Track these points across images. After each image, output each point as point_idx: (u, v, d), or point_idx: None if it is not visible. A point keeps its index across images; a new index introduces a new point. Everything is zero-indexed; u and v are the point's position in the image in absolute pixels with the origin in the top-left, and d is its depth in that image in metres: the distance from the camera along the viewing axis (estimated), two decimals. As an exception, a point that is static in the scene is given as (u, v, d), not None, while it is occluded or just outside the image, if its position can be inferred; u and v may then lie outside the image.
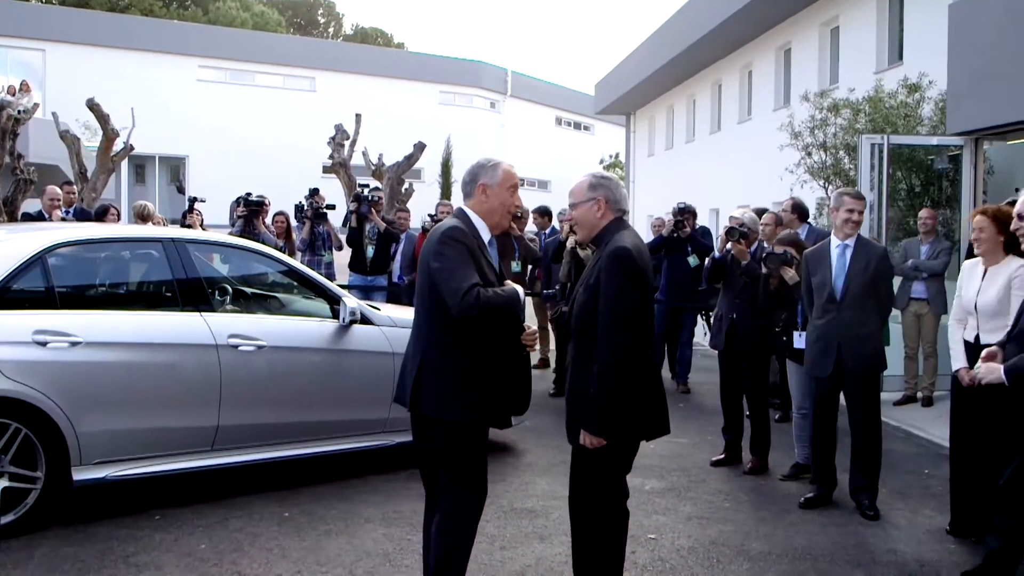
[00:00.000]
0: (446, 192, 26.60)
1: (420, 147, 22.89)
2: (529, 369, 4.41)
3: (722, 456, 7.62)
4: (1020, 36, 9.96)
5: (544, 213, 12.29)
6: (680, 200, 10.86)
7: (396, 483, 6.80)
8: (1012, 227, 4.33)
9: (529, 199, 13.96)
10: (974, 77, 10.72)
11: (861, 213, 6.36)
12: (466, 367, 4.09)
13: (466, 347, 4.08)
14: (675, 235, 10.39)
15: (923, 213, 10.08)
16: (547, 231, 12.14)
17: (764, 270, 7.06)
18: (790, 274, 6.90)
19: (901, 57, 16.76)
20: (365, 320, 6.90)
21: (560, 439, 8.23)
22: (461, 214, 4.26)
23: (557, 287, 9.70)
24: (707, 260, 7.97)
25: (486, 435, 4.25)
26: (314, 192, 11.71)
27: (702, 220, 25.65)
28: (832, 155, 13.81)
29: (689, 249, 10.51)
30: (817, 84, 18.94)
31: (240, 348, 6.19)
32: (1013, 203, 7.97)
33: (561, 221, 10.88)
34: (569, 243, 9.40)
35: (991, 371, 4.47)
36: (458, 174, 29.90)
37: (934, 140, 12.06)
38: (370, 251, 11.39)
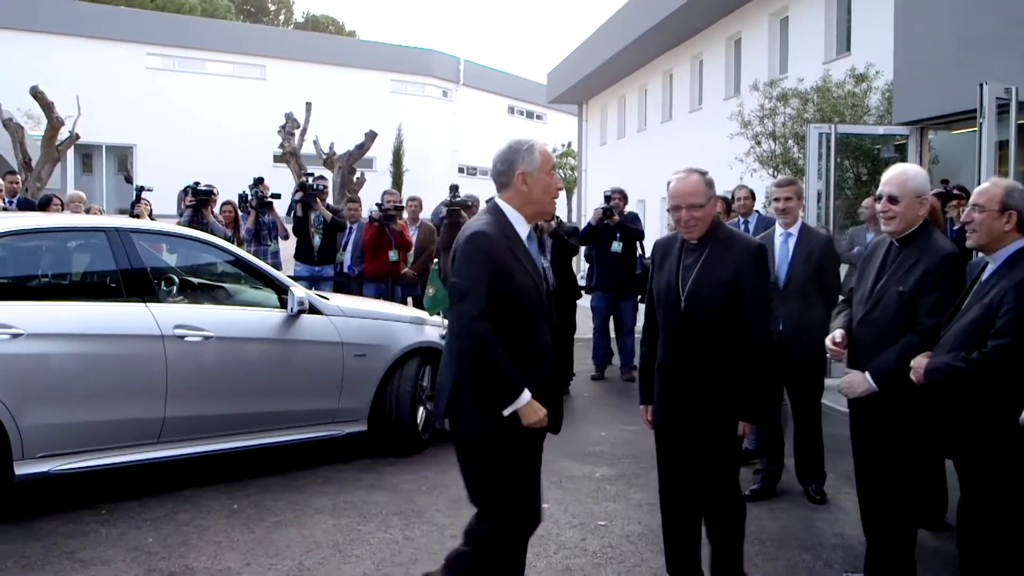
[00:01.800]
0: (397, 181, 26.50)
1: (371, 136, 22.79)
2: (560, 386, 4.15)
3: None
4: (965, 27, 10.08)
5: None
6: (616, 187, 10.82)
7: (347, 473, 6.77)
8: (964, 217, 4.32)
9: (481, 188, 13.95)
10: (919, 68, 10.85)
11: (789, 199, 6.33)
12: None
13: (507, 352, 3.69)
14: (604, 223, 10.37)
15: (866, 202, 10.18)
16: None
17: None
18: None
19: (849, 48, 16.96)
20: (314, 310, 6.85)
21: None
22: (495, 210, 3.84)
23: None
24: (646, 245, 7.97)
25: (525, 456, 3.83)
26: (259, 181, 11.61)
27: (653, 208, 25.89)
28: (781, 144, 13.96)
29: (618, 235, 10.48)
30: (767, 74, 19.10)
31: (187, 339, 6.11)
32: (939, 194, 8.09)
33: None
34: None
35: (855, 385, 4.42)
36: (409, 163, 29.96)
37: (880, 130, 12.21)
38: (316, 240, 11.32)
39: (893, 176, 4.42)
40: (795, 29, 19.48)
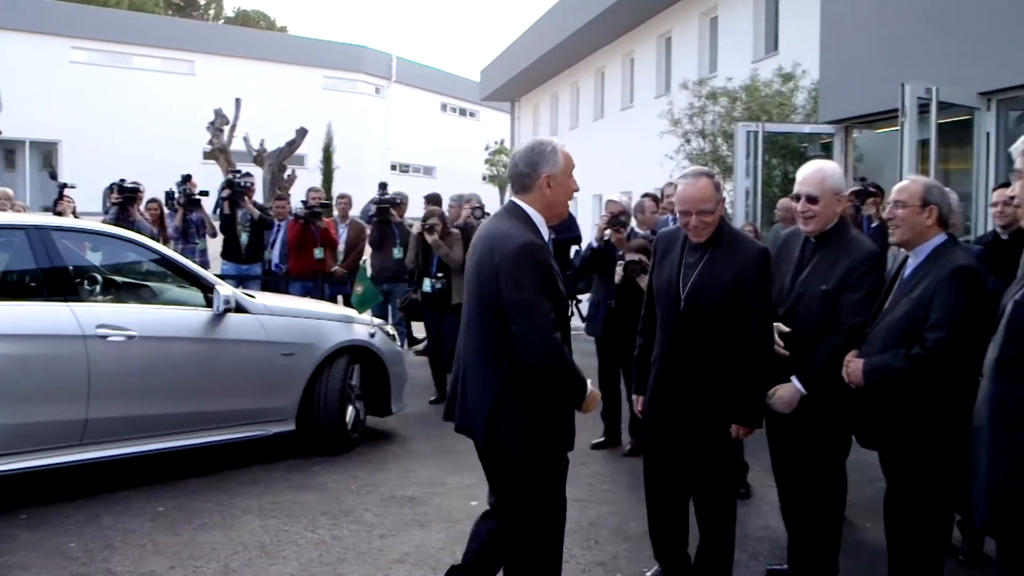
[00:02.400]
0: (328, 178, 26.27)
1: (302, 133, 22.58)
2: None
3: (602, 439, 7.70)
4: (889, 28, 10.29)
5: (434, 200, 12.20)
6: None
7: (275, 473, 6.70)
8: (886, 214, 4.37)
9: (414, 186, 13.91)
10: (845, 68, 11.05)
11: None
12: (544, 396, 3.64)
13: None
14: None
15: (782, 202, 10.27)
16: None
17: (622, 274, 6.96)
18: (645, 282, 6.89)
19: (777, 47, 17.19)
20: (240, 308, 6.77)
21: (443, 426, 8.28)
22: (520, 214, 3.70)
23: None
24: (583, 248, 7.99)
25: (562, 471, 3.86)
26: (186, 179, 11.44)
27: (585, 205, 25.99)
28: (710, 142, 14.11)
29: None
30: (696, 72, 19.28)
31: (109, 339, 6.00)
32: (856, 191, 8.23)
33: (451, 207, 10.84)
34: (416, 229, 9.32)
35: (789, 400, 4.37)
36: (342, 160, 29.73)
37: (807, 128, 12.41)
38: (244, 238, 11.20)
39: (810, 175, 4.43)
40: (724, 28, 19.70)
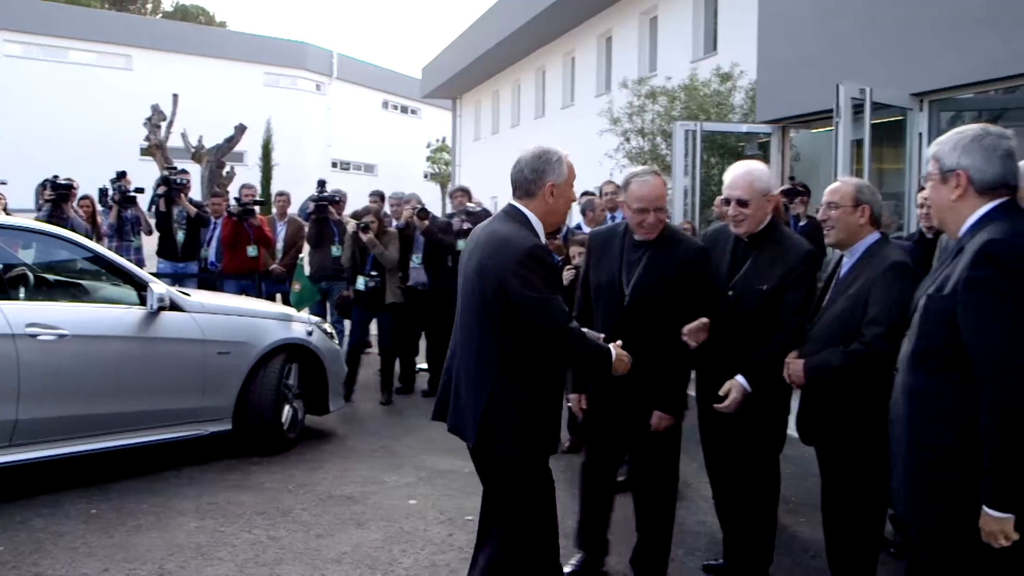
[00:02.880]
0: (267, 175, 26.03)
1: (241, 129, 22.38)
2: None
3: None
4: (825, 30, 10.43)
5: (379, 198, 12.13)
6: (459, 186, 10.95)
7: (211, 474, 6.62)
8: (820, 216, 4.44)
9: (356, 183, 13.84)
10: (782, 68, 11.17)
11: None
12: (538, 396, 3.66)
13: (539, 375, 3.66)
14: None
15: (718, 200, 10.40)
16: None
17: (570, 278, 6.94)
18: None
19: (715, 47, 17.33)
20: (175, 306, 6.68)
21: (380, 426, 8.27)
22: (521, 217, 3.74)
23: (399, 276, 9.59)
24: None
25: (548, 472, 3.84)
26: (121, 175, 11.26)
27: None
28: (650, 141, 14.19)
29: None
30: (636, 72, 19.38)
31: (40, 337, 5.88)
32: (786, 191, 8.35)
33: (393, 206, 10.80)
34: (351, 227, 9.29)
35: (738, 399, 4.37)
36: (282, 157, 29.47)
37: (744, 128, 12.54)
38: (180, 236, 11.06)
39: (738, 178, 4.47)
40: (664, 28, 19.83)
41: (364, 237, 8.98)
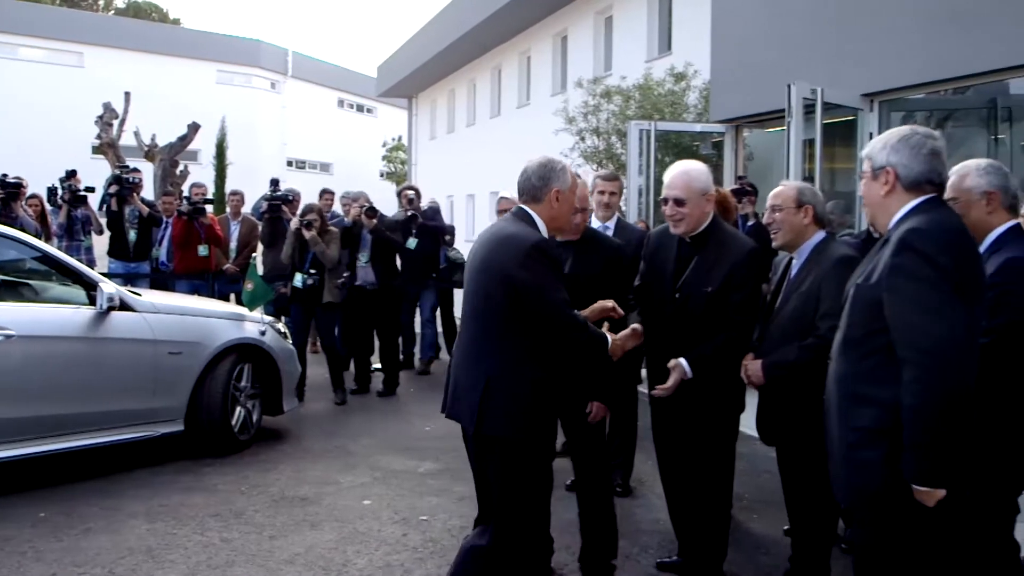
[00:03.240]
0: (221, 174, 25.76)
1: (194, 128, 22.18)
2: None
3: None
4: (777, 30, 10.51)
5: (331, 196, 12.06)
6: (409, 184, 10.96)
7: (163, 476, 6.57)
8: (765, 220, 4.49)
9: (311, 182, 13.76)
10: (735, 68, 11.25)
11: (613, 194, 6.37)
12: (536, 383, 3.76)
13: (537, 362, 3.77)
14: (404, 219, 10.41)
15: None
16: (328, 214, 11.88)
17: None
18: None
19: (670, 47, 17.40)
20: (125, 306, 6.61)
21: (335, 427, 8.23)
22: (528, 219, 3.91)
23: (347, 275, 9.56)
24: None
25: (549, 460, 3.93)
26: (71, 174, 11.09)
27: (482, 203, 26.05)
28: (605, 140, 14.23)
29: (413, 231, 10.53)
30: (592, 71, 19.41)
31: (-13, 339, 5.81)
32: (734, 191, 8.41)
33: (344, 204, 10.77)
34: (294, 224, 9.23)
35: (678, 380, 4.35)
36: (236, 156, 29.19)
37: (698, 127, 12.60)
38: (132, 236, 10.94)
39: (675, 178, 4.50)
40: (619, 28, 19.88)
41: (306, 234, 8.94)
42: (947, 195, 3.76)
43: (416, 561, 5.10)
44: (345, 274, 9.54)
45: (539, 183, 3.92)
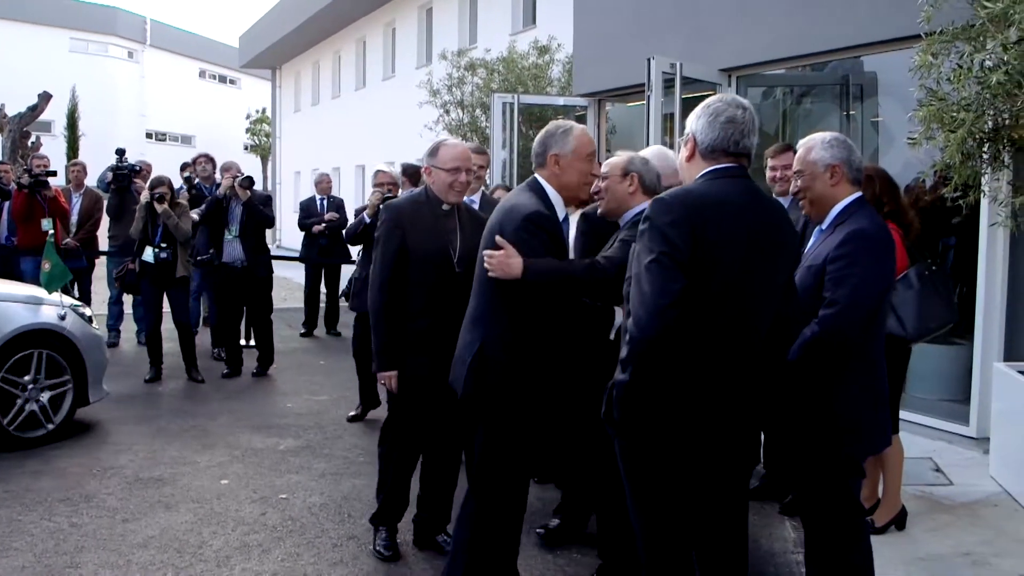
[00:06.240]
0: (72, 146, 24.84)
1: (46, 97, 21.39)
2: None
3: (357, 411, 7.67)
4: (638, 6, 10.62)
5: (208, 160, 11.49)
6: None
7: (7, 460, 6.31)
8: (593, 188, 4.47)
9: (172, 155, 13.37)
10: (597, 42, 11.32)
11: (483, 168, 6.40)
12: (523, 354, 3.72)
13: (528, 334, 3.72)
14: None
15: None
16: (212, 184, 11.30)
17: None
18: None
19: (535, 21, 17.42)
20: None
21: (193, 405, 8.04)
22: (537, 188, 3.85)
23: (212, 252, 9.18)
24: (351, 223, 7.83)
25: (529, 440, 3.88)
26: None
27: (347, 175, 25.77)
28: (469, 113, 14.19)
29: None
30: (457, 43, 19.33)
31: None
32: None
33: (224, 173, 10.10)
34: (144, 197, 8.88)
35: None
36: (90, 127, 28.27)
37: (561, 101, 12.66)
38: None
39: None
40: (484, 1, 19.83)
41: (159, 207, 8.60)
42: (794, 168, 3.87)
43: (275, 540, 5.01)
44: (210, 251, 9.18)
45: (539, 148, 3.89)
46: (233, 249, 9.18)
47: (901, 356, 4.99)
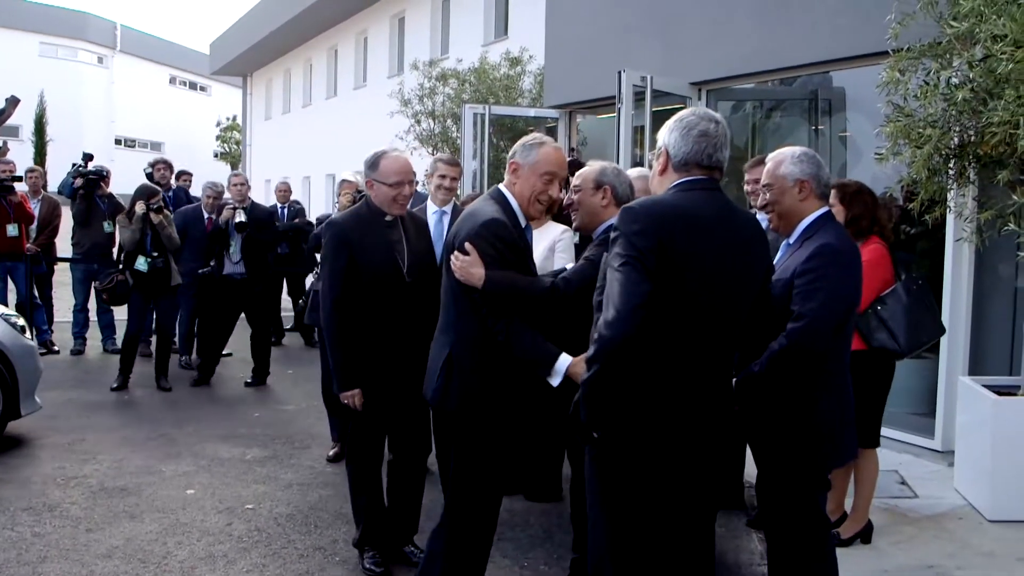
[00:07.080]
0: (40, 151, 24.65)
1: (13, 102, 21.02)
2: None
3: (336, 450, 7.58)
4: (610, 18, 10.66)
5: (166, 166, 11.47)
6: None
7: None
8: (566, 202, 4.44)
9: (141, 161, 13.28)
10: (568, 55, 11.37)
11: (455, 179, 6.34)
12: (490, 362, 3.66)
13: (490, 342, 3.65)
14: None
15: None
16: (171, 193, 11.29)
17: None
18: None
19: (507, 32, 17.45)
20: None
21: (160, 414, 7.98)
22: (498, 196, 3.77)
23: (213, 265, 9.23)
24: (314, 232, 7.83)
25: (503, 447, 3.84)
26: None
27: (318, 184, 25.68)
28: (440, 123, 14.18)
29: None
30: (429, 53, 19.33)
31: None
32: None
33: (208, 196, 10.05)
34: (140, 209, 8.83)
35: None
36: (58, 132, 28.08)
37: (532, 112, 12.69)
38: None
39: None
40: (456, 11, 19.84)
41: (155, 219, 8.65)
42: (763, 181, 3.89)
43: (240, 551, 4.98)
44: (212, 263, 9.22)
45: (509, 155, 3.81)
46: (235, 266, 9.26)
47: (887, 371, 5.03)
